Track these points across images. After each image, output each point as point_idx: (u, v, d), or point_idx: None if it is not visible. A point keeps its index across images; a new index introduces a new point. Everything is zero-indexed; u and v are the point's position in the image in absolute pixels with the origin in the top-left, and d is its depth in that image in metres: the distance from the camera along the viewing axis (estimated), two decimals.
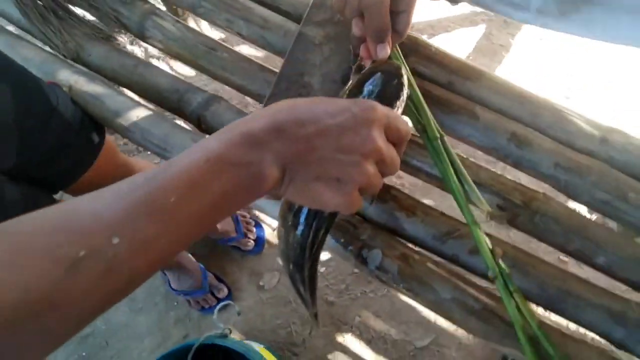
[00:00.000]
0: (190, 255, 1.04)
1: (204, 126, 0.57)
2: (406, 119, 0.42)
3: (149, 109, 0.58)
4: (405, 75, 0.38)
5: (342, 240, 0.48)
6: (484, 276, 0.46)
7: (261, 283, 1.06)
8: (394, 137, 0.30)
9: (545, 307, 0.46)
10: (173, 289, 1.03)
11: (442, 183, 0.48)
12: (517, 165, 0.52)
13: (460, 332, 0.99)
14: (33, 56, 0.58)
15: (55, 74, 0.57)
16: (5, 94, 0.45)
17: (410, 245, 0.49)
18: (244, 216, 1.10)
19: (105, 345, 1.04)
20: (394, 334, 1.00)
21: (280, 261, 0.39)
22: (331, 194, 0.28)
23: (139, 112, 0.56)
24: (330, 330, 1.01)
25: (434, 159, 0.45)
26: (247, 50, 1.07)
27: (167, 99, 0.58)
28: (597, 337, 0.46)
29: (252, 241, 1.08)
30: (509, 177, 0.51)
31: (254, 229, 1.10)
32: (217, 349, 0.78)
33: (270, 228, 1.12)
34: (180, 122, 0.64)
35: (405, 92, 0.38)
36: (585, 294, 0.45)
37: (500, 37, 1.31)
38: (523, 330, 0.40)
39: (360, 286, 1.04)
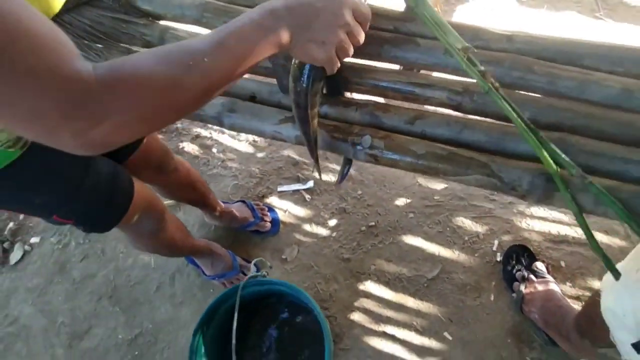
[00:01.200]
0: (217, 245, 1.18)
1: None
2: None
3: None
4: None
5: (340, 137, 0.66)
6: (446, 142, 0.64)
7: (283, 256, 1.20)
8: (359, 17, 0.49)
9: None
10: (208, 276, 1.16)
11: None
12: (453, 70, 0.72)
13: (462, 258, 1.14)
14: None
15: None
16: None
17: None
18: (257, 204, 1.26)
19: (154, 341, 1.14)
20: (407, 272, 1.14)
21: (293, 109, 0.60)
22: (318, 51, 0.46)
23: None
24: (352, 282, 1.15)
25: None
26: None
27: None
28: None
29: (268, 223, 1.23)
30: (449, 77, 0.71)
31: (268, 213, 1.25)
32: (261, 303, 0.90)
33: (282, 211, 1.28)
34: None
35: None
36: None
37: None
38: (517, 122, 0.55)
39: (370, 240, 1.20)
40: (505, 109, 0.56)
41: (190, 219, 1.28)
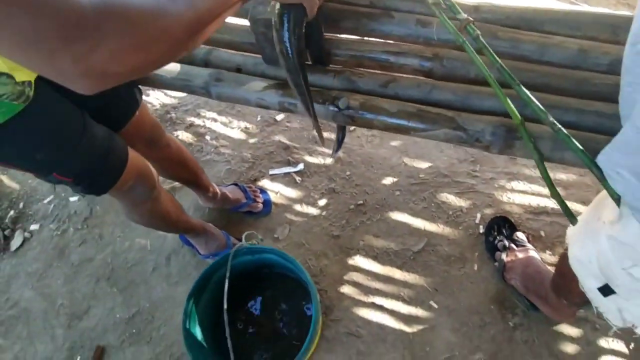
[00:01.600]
0: (211, 225, 1.22)
1: None
2: None
3: None
4: None
5: (321, 101, 0.71)
6: (417, 102, 0.69)
7: (275, 235, 1.25)
8: None
9: None
10: (202, 255, 1.20)
11: None
12: (426, 42, 0.77)
13: (446, 231, 1.18)
14: None
15: None
16: None
17: None
18: (249, 187, 1.31)
19: (151, 319, 1.18)
20: (394, 246, 1.18)
21: (281, 61, 0.63)
22: None
23: None
24: (341, 257, 1.19)
25: None
26: None
27: None
28: None
29: (260, 204, 1.28)
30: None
31: (260, 195, 1.30)
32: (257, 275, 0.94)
33: (274, 193, 1.32)
34: None
35: None
36: None
37: None
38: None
39: (358, 217, 1.24)
40: (476, 60, 0.60)
41: (184, 203, 1.32)
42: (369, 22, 0.78)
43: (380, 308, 1.10)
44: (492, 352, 1.01)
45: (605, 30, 0.72)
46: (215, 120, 1.50)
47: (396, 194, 1.26)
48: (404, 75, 0.74)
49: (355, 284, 1.15)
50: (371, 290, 1.13)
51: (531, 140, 0.61)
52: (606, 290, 0.62)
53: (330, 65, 0.78)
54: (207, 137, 1.47)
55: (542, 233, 1.14)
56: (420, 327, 1.07)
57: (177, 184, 1.32)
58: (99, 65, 0.36)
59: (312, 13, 0.56)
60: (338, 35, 0.81)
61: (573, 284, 0.75)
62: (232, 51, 0.83)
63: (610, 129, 0.63)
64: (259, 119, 1.48)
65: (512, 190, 1.21)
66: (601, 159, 0.52)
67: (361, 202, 1.26)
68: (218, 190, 1.22)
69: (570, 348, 1.00)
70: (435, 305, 1.09)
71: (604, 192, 0.63)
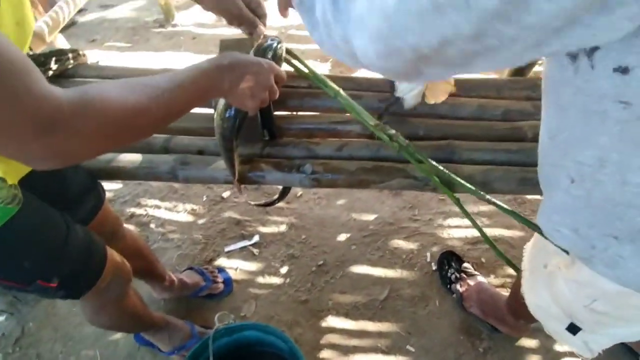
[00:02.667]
0: (171, 316, 1.13)
1: None
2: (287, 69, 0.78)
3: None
4: (283, 46, 0.75)
5: (286, 169, 0.78)
6: (369, 160, 0.80)
7: (242, 314, 1.20)
8: (278, 80, 0.64)
9: None
10: (166, 352, 1.09)
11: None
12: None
13: (404, 274, 1.27)
14: None
15: None
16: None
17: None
18: (206, 268, 1.27)
19: None
20: (361, 299, 1.22)
21: (217, 142, 0.72)
22: (248, 101, 0.59)
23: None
24: (314, 321, 1.18)
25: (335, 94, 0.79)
26: None
27: None
28: None
29: (221, 284, 1.24)
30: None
31: (219, 275, 1.26)
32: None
33: (233, 270, 1.30)
34: None
35: (283, 54, 0.75)
36: None
37: None
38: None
39: (322, 278, 1.27)
40: (410, 155, 0.73)
41: None
42: (312, 99, 0.91)
43: None
44: None
45: (491, 90, 0.94)
46: (158, 207, 1.46)
47: (352, 248, 1.33)
48: (353, 140, 0.86)
49: (332, 347, 1.14)
50: (349, 348, 1.13)
51: (450, 194, 0.73)
52: (573, 329, 0.64)
53: (285, 138, 0.87)
54: (152, 225, 1.41)
55: (483, 259, 1.29)
56: None
57: None
58: (66, 151, 0.38)
59: (252, 114, 0.66)
60: (286, 113, 0.92)
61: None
62: (190, 137, 0.88)
63: (519, 161, 0.80)
64: (204, 199, 1.49)
65: (450, 227, 1.37)
66: (542, 222, 0.56)
67: (321, 262, 1.30)
68: (174, 278, 1.17)
69: (534, 359, 1.10)
70: (412, 349, 1.12)
71: (535, 241, 0.71)
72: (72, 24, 2.29)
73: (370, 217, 1.41)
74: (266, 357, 1.01)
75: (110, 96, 0.41)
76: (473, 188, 0.70)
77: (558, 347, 1.11)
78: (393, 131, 0.74)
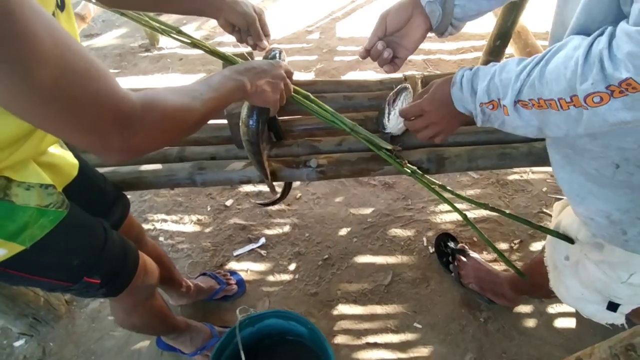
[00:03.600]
0: (191, 320, 1.19)
1: None
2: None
3: None
4: (284, 54, 0.85)
5: (294, 166, 0.86)
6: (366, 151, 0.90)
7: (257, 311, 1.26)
8: (288, 74, 0.74)
9: None
10: (189, 354, 1.15)
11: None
12: (354, 109, 1.01)
13: (405, 259, 1.36)
14: None
15: None
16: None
17: None
18: (219, 272, 1.33)
19: None
20: (367, 285, 1.31)
21: (245, 148, 0.80)
22: (269, 95, 0.68)
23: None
24: (325, 311, 1.26)
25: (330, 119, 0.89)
26: None
27: None
28: None
29: (234, 285, 1.30)
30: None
31: (232, 277, 1.33)
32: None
33: (244, 272, 1.37)
34: None
35: (286, 60, 0.85)
36: None
37: None
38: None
39: (329, 271, 1.35)
40: (419, 179, 0.82)
41: None
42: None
43: (375, 345, 1.18)
44: (477, 349, 1.15)
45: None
46: (165, 220, 1.52)
47: (354, 241, 1.42)
48: (350, 136, 0.95)
49: (346, 332, 1.21)
50: (361, 332, 1.21)
51: (455, 207, 0.82)
52: (613, 306, 0.69)
53: (290, 140, 0.96)
54: (161, 239, 1.47)
55: (475, 239, 1.40)
56: (414, 348, 1.17)
57: None
58: (137, 145, 0.47)
59: (275, 111, 0.75)
60: (287, 118, 1.01)
61: (546, 285, 0.85)
62: (202, 146, 0.96)
63: (497, 140, 0.90)
64: (209, 209, 1.56)
65: (441, 212, 1.48)
66: (579, 211, 0.63)
67: (326, 256, 1.38)
68: (191, 284, 1.23)
69: (530, 323, 1.20)
70: (419, 326, 1.21)
71: (549, 239, 0.78)
72: None
73: (367, 210, 1.50)
74: (289, 345, 1.09)
75: (167, 97, 0.50)
76: (474, 201, 0.77)
77: (550, 310, 1.22)
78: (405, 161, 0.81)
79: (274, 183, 0.87)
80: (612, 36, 0.39)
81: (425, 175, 0.78)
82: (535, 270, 0.88)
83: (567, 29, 0.48)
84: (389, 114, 0.85)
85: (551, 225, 0.86)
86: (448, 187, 0.78)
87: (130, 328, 0.92)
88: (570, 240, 0.73)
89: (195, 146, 0.96)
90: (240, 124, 0.79)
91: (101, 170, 0.86)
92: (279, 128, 0.93)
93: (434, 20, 0.65)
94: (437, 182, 0.77)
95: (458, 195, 0.77)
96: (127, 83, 2.20)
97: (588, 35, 0.43)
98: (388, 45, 0.69)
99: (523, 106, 0.49)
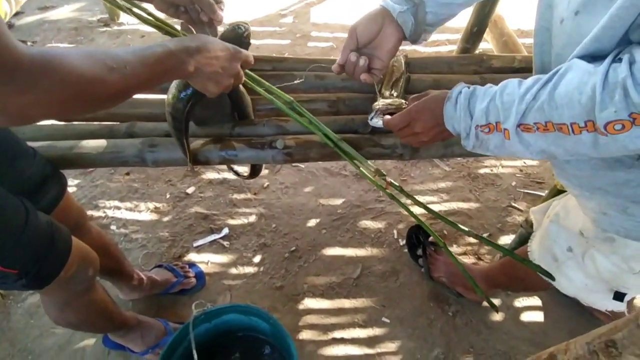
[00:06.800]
0: (142, 315, 1.09)
1: None
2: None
3: None
4: (249, 30, 0.76)
5: (259, 146, 0.79)
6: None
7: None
8: (245, 64, 0.65)
9: None
10: (139, 352, 1.05)
11: None
12: (326, 90, 0.94)
13: (375, 252, 1.31)
14: None
15: None
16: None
17: None
18: (176, 264, 1.23)
19: None
20: (335, 279, 1.25)
21: (168, 122, 0.73)
22: (212, 87, 0.60)
23: None
24: (291, 305, 1.19)
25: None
26: None
27: None
28: None
29: (193, 278, 1.21)
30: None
31: (190, 269, 1.23)
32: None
33: (204, 264, 1.27)
34: None
35: (250, 39, 0.76)
36: None
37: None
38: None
39: (295, 263, 1.28)
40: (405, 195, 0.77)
41: None
42: (277, 82, 0.92)
43: (342, 340, 1.13)
44: (445, 344, 1.13)
45: (443, 66, 1.01)
46: (118, 207, 1.40)
47: (323, 232, 1.36)
48: (320, 117, 0.88)
49: (311, 327, 1.15)
50: (328, 327, 1.15)
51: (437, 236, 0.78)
52: (619, 296, 0.70)
53: (256, 119, 0.88)
54: (113, 227, 1.35)
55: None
56: (381, 344, 1.13)
57: None
58: (18, 108, 0.38)
59: (212, 97, 0.64)
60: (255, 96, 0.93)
61: (528, 278, 0.87)
62: (155, 122, 0.86)
63: None
64: (168, 196, 1.44)
65: (412, 205, 1.44)
66: (591, 206, 0.63)
67: (294, 248, 1.31)
68: (143, 276, 1.12)
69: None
70: (387, 320, 1.17)
71: (543, 235, 0.78)
72: (9, 27, 2.12)
73: (338, 201, 1.45)
74: (248, 341, 1.01)
75: (71, 60, 0.40)
76: (465, 229, 0.78)
77: (517, 304, 1.21)
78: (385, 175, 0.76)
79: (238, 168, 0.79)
80: (632, 63, 0.39)
81: (409, 196, 0.74)
82: (515, 263, 0.86)
83: (551, 36, 0.48)
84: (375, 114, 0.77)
85: (534, 234, 0.86)
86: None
87: (66, 325, 0.81)
88: (551, 277, 0.74)
89: (147, 122, 0.85)
90: (167, 95, 0.70)
91: (34, 144, 0.75)
92: (243, 106, 0.84)
93: (407, 30, 0.66)
94: (420, 200, 0.73)
95: (445, 219, 0.73)
96: None
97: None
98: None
99: (525, 130, 0.49)
